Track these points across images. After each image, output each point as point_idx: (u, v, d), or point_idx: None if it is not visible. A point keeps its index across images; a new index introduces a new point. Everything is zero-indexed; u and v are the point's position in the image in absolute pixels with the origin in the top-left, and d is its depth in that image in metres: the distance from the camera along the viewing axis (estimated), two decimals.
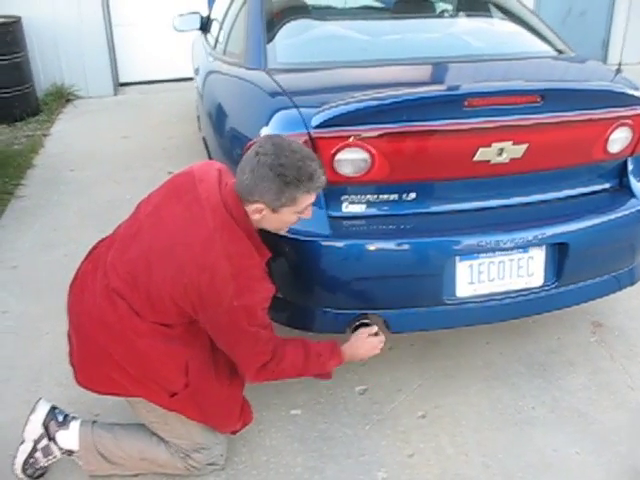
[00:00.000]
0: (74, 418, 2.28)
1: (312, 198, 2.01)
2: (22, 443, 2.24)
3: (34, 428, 2.23)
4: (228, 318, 1.95)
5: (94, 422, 2.29)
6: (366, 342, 2.28)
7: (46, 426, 2.23)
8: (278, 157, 1.91)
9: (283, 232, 2.13)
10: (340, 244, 2.23)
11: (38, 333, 3.11)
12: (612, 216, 2.49)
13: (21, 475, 2.23)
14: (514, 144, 2.30)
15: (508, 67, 2.88)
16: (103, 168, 5.27)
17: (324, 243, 2.22)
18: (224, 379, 2.17)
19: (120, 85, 7.90)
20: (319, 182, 1.98)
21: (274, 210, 1.98)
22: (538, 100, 2.27)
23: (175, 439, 2.20)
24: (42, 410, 2.26)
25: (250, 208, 1.99)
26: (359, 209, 2.30)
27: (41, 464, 2.24)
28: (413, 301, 2.36)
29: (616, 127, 2.45)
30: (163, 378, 2.08)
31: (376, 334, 2.30)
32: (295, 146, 1.96)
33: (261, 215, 1.99)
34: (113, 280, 2.04)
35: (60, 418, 2.26)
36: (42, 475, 2.28)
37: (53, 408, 2.29)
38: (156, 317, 2.02)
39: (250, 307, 1.96)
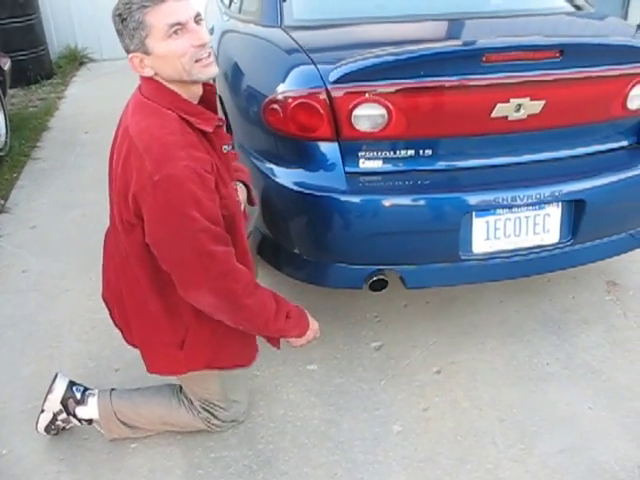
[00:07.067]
0: (91, 394, 2.26)
1: (162, 11, 1.70)
2: (42, 412, 2.25)
3: (53, 405, 2.24)
4: (160, 200, 1.70)
5: (112, 390, 2.27)
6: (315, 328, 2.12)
7: (64, 404, 2.23)
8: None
9: (204, 75, 1.80)
10: (357, 200, 2.23)
11: (58, 291, 3.16)
12: (630, 174, 2.46)
13: (45, 434, 2.27)
14: (532, 100, 2.28)
15: (526, 23, 2.84)
16: None
17: (340, 198, 2.22)
18: None
19: None
20: None
21: (145, 51, 1.76)
22: (557, 55, 2.24)
23: (208, 395, 2.18)
24: (59, 389, 2.25)
25: (136, 67, 1.80)
26: (376, 165, 2.30)
27: (62, 427, 2.28)
28: (429, 257, 2.37)
29: (636, 83, 2.42)
30: (165, 329, 1.97)
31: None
32: None
33: (146, 66, 1.79)
34: (113, 219, 1.95)
35: (78, 396, 2.24)
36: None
37: (71, 384, 2.27)
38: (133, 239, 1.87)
39: (174, 177, 1.68)
